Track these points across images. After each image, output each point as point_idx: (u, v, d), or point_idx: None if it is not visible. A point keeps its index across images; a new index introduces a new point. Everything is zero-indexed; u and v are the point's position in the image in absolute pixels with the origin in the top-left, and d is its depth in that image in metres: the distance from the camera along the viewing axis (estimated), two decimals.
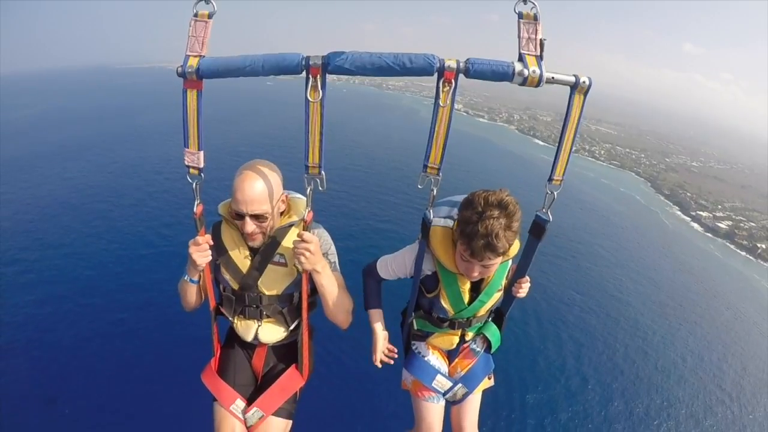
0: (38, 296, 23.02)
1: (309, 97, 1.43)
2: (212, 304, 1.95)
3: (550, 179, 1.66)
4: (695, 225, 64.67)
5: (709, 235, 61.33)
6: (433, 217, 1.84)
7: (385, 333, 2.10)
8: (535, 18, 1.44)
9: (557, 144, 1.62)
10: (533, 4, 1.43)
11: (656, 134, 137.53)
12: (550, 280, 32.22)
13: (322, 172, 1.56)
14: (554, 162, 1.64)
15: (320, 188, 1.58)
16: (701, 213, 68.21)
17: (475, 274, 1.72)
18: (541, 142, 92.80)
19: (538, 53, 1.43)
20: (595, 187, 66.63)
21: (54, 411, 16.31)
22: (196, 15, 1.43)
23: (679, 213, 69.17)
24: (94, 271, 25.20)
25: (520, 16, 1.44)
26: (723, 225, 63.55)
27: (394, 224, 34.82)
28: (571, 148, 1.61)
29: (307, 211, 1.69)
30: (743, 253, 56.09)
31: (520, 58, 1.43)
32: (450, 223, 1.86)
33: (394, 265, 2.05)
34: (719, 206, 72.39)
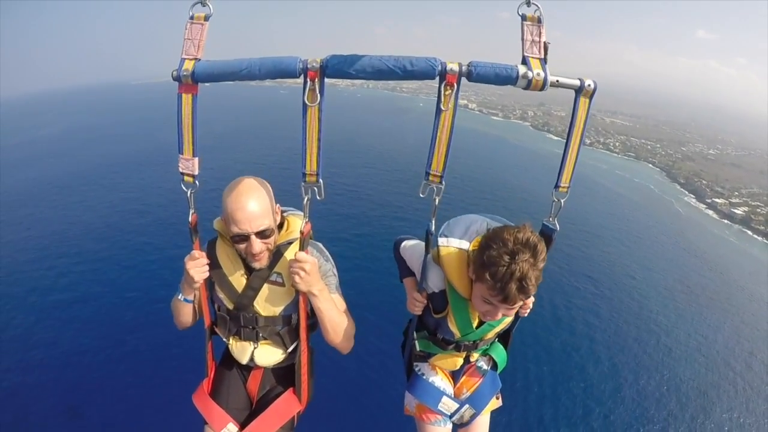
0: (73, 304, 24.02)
1: (307, 101, 1.30)
2: (207, 322, 1.75)
3: (557, 186, 1.47)
4: (710, 212, 60.45)
5: (725, 221, 57.21)
6: (448, 237, 1.63)
7: (414, 283, 1.87)
8: (539, 21, 1.30)
9: (563, 149, 1.43)
10: (537, 6, 1.29)
11: (672, 123, 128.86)
12: (570, 262, 31.31)
13: (320, 180, 1.41)
14: (560, 168, 1.44)
15: (318, 197, 1.42)
16: (717, 200, 63.61)
17: (498, 317, 1.51)
18: (555, 137, 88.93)
19: (542, 56, 1.29)
20: (609, 178, 63.45)
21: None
22: (192, 17, 1.33)
23: (694, 201, 64.85)
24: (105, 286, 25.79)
25: (524, 18, 1.31)
26: (739, 211, 59.04)
27: (409, 212, 34.67)
28: (577, 153, 1.41)
29: (304, 222, 1.50)
30: (760, 238, 52.00)
31: (524, 61, 1.29)
32: (465, 245, 1.61)
33: (407, 256, 1.94)
34: (736, 192, 67.22)
